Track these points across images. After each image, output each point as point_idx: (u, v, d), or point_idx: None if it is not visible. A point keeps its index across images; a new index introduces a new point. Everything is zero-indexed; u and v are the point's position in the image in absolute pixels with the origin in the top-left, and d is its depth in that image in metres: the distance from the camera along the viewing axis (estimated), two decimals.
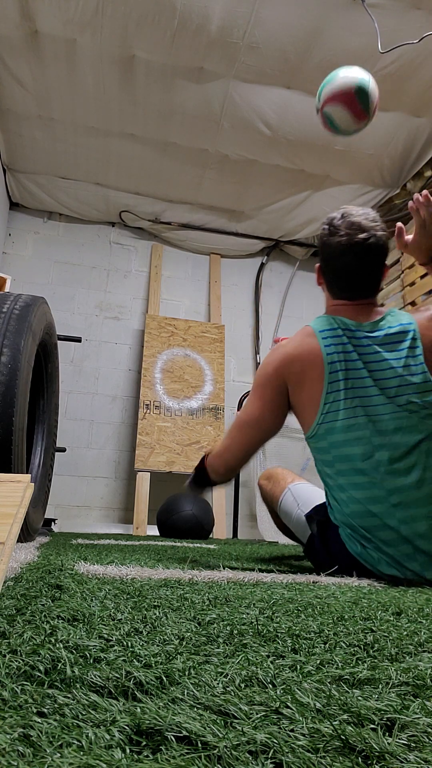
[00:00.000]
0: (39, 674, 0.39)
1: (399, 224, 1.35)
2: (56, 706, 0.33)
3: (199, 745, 0.28)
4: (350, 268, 1.32)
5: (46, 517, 3.37)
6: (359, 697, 0.37)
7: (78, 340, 3.46)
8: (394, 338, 1.29)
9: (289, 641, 0.53)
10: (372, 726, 0.32)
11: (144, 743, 0.29)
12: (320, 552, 1.36)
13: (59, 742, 0.28)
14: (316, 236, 4.45)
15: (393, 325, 1.31)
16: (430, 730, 0.32)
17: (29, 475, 1.03)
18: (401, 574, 1.20)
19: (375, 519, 1.21)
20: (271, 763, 0.27)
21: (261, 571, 1.30)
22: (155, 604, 0.71)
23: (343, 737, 0.30)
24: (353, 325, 1.31)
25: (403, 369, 1.25)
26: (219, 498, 3.68)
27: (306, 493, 1.53)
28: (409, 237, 1.35)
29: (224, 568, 1.25)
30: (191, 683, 0.38)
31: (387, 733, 0.31)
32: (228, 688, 0.38)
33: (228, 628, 0.58)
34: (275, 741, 0.29)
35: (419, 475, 1.20)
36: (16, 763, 0.26)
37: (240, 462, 1.43)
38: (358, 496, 1.23)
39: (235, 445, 1.40)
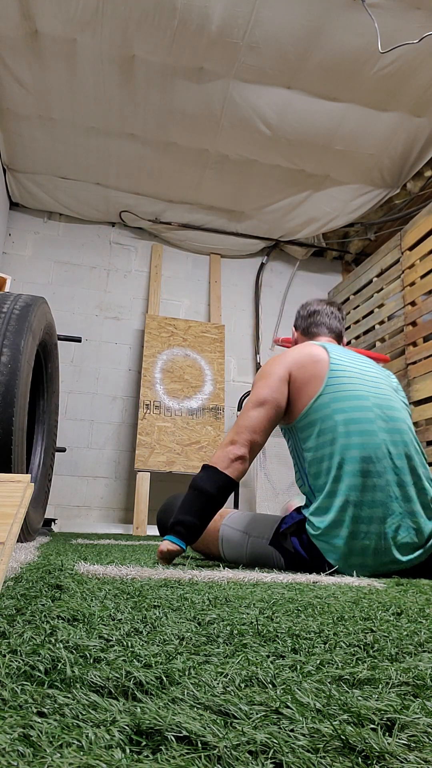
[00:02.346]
0: (39, 674, 0.39)
1: None
2: (56, 706, 0.33)
3: (199, 745, 0.28)
4: (327, 312, 1.75)
5: (46, 517, 3.37)
6: (359, 697, 0.37)
7: (78, 340, 3.46)
8: (380, 368, 1.60)
9: (289, 641, 0.53)
10: (372, 726, 0.32)
11: (144, 743, 0.29)
12: (297, 555, 1.40)
13: (59, 742, 0.28)
14: (316, 236, 4.46)
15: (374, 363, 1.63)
16: (430, 730, 0.32)
17: (29, 475, 1.03)
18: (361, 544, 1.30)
19: (370, 479, 1.34)
20: (271, 763, 0.27)
21: (261, 571, 1.30)
22: (155, 604, 0.71)
23: (343, 737, 0.30)
24: (341, 347, 1.63)
25: (383, 378, 1.55)
26: None
27: (243, 519, 1.56)
28: None
29: (224, 568, 1.25)
30: (191, 683, 0.38)
31: (387, 733, 0.31)
32: (228, 688, 0.38)
33: (228, 628, 0.58)
34: (275, 741, 0.29)
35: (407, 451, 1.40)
36: (16, 763, 0.26)
37: (263, 439, 1.46)
38: (356, 454, 1.35)
39: (256, 425, 1.44)
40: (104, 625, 0.56)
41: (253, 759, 0.27)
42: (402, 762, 0.28)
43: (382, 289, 3.69)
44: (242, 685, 0.39)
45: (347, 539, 1.30)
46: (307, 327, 1.75)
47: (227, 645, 0.51)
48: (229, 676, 0.40)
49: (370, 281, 3.86)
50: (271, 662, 0.45)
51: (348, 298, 4.21)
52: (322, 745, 0.29)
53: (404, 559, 1.30)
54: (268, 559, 1.46)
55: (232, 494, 3.87)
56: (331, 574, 1.26)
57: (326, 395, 1.41)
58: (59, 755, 0.27)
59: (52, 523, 3.48)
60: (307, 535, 1.38)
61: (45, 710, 0.33)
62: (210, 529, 1.57)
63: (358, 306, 4.03)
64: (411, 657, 0.49)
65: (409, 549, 1.31)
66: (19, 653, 0.44)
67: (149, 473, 3.62)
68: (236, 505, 3.84)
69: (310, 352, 1.51)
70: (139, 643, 0.49)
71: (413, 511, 1.33)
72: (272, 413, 1.45)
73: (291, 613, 0.69)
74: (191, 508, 1.37)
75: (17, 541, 1.79)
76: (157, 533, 3.50)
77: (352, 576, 1.23)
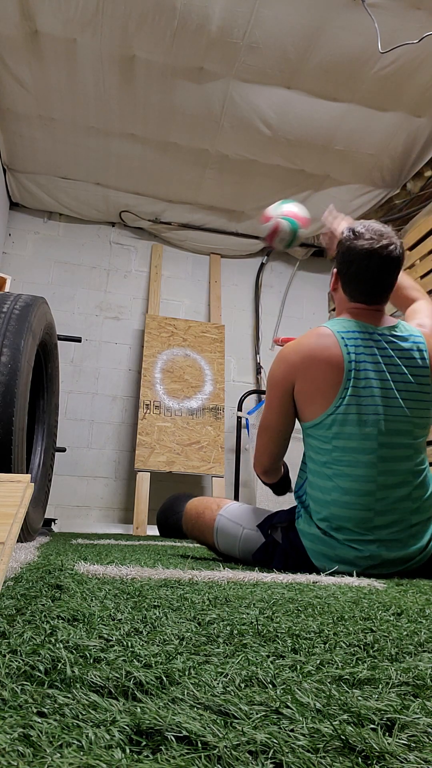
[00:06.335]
0: (39, 674, 0.39)
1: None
2: (56, 706, 0.33)
3: (199, 745, 0.28)
4: (372, 271, 1.37)
5: (46, 517, 3.37)
6: (359, 697, 0.37)
7: (78, 340, 3.46)
8: (407, 349, 1.38)
9: (289, 641, 0.53)
10: (372, 726, 0.32)
11: (144, 743, 0.29)
12: (285, 550, 1.42)
13: (59, 742, 0.28)
14: (315, 237, 4.46)
15: (405, 335, 1.40)
16: (430, 730, 0.32)
17: (29, 475, 1.03)
18: (359, 552, 1.29)
19: (356, 511, 1.30)
20: (271, 763, 0.27)
21: (261, 571, 1.30)
22: (155, 604, 0.71)
23: (343, 737, 0.30)
24: (371, 327, 1.39)
25: (414, 378, 1.36)
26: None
27: (239, 511, 1.57)
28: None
29: (224, 568, 1.25)
30: (191, 683, 0.38)
31: (387, 733, 0.31)
32: (228, 688, 0.38)
33: (228, 628, 0.58)
34: (275, 741, 0.29)
35: (404, 478, 1.32)
36: (16, 763, 0.26)
37: (273, 459, 1.53)
38: (347, 485, 1.30)
39: (262, 449, 1.53)
40: (104, 625, 0.56)
41: (253, 759, 0.27)
42: (402, 762, 0.28)
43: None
44: (242, 685, 0.39)
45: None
46: (350, 276, 1.41)
47: (227, 645, 0.51)
48: (229, 676, 0.40)
49: None
50: (271, 662, 0.45)
51: None
52: (322, 745, 0.29)
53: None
54: (253, 548, 1.49)
55: (233, 495, 3.87)
56: (331, 574, 1.26)
57: (335, 415, 1.32)
58: (59, 755, 0.27)
59: (52, 523, 3.48)
60: (295, 531, 1.41)
61: (45, 710, 0.33)
62: (206, 518, 1.60)
63: None
64: (411, 657, 0.49)
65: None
66: (19, 653, 0.44)
67: (149, 473, 3.61)
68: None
69: (320, 355, 1.33)
70: (139, 643, 0.49)
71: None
72: (275, 437, 1.49)
73: (291, 613, 0.69)
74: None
75: (17, 541, 1.79)
76: (157, 533, 3.50)
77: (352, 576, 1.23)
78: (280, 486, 1.62)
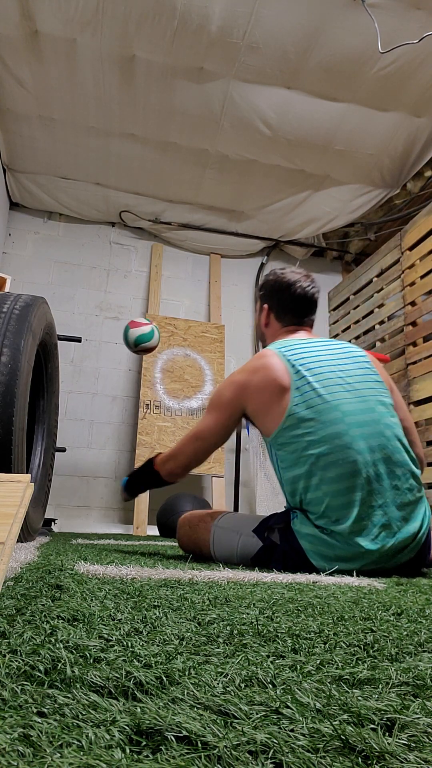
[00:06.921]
0: (39, 674, 0.39)
1: None
2: (56, 706, 0.33)
3: (199, 745, 0.28)
4: (300, 295, 1.61)
5: (46, 517, 3.37)
6: (359, 697, 0.37)
7: (78, 340, 3.46)
8: (340, 343, 1.55)
9: (289, 641, 0.53)
10: (372, 726, 0.32)
11: (144, 743, 0.29)
12: (284, 552, 1.42)
13: (59, 742, 0.28)
14: (316, 236, 4.46)
15: (339, 342, 1.58)
16: (430, 730, 0.32)
17: (29, 475, 1.03)
18: (357, 549, 1.29)
19: (350, 495, 1.31)
20: (271, 763, 0.27)
21: (261, 571, 1.30)
22: (155, 604, 0.71)
23: (343, 737, 0.30)
24: (306, 339, 1.56)
25: (356, 357, 1.50)
26: (219, 498, 3.68)
27: (234, 520, 1.58)
28: None
29: (224, 568, 1.25)
30: (191, 683, 0.38)
31: (387, 733, 0.31)
32: (228, 688, 0.38)
33: (228, 628, 0.58)
34: (275, 741, 0.29)
35: (385, 442, 1.36)
36: (16, 763, 0.26)
37: (195, 464, 1.64)
38: (333, 473, 1.33)
39: (190, 454, 1.62)
40: (104, 625, 0.56)
41: (253, 759, 0.27)
42: (402, 762, 0.28)
43: (382, 289, 3.69)
44: (242, 685, 0.39)
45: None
46: (281, 303, 1.62)
47: (227, 645, 0.51)
48: (229, 676, 0.40)
49: (370, 281, 3.86)
50: (271, 662, 0.45)
51: (348, 298, 4.21)
52: (322, 745, 0.29)
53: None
54: (251, 553, 1.47)
55: (232, 495, 3.87)
56: (330, 574, 1.26)
57: (297, 406, 1.38)
58: (59, 755, 0.27)
59: (52, 523, 3.48)
60: (292, 531, 1.40)
61: (45, 710, 0.33)
62: (201, 530, 1.59)
63: (358, 306, 4.02)
64: (411, 657, 0.49)
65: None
66: (19, 653, 0.44)
67: None
68: (236, 507, 3.85)
69: (264, 368, 1.45)
70: (139, 643, 0.49)
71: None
72: (207, 446, 1.58)
73: (291, 613, 0.69)
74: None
75: (17, 541, 1.79)
76: (158, 533, 3.50)
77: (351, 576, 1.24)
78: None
